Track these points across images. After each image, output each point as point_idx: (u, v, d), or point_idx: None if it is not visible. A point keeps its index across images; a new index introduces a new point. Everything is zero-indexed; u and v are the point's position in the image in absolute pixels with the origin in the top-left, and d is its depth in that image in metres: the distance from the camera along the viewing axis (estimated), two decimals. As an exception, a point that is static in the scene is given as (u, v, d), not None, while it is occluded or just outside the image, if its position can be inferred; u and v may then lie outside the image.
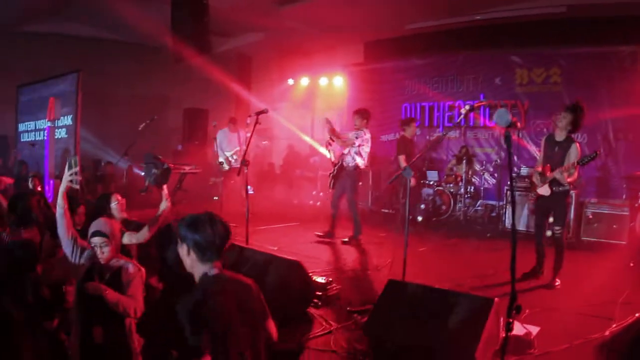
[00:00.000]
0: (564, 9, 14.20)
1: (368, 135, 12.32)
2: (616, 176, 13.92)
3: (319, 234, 12.61)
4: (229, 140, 15.48)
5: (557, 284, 9.01)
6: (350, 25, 17.37)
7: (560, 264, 9.16)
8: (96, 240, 5.19)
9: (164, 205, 7.11)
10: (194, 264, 4.12)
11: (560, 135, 9.15)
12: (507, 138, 4.68)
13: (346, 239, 12.21)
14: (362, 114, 12.49)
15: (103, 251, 5.18)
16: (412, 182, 13.67)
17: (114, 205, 7.25)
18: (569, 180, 8.93)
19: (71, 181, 5.62)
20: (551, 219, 9.64)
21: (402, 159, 13.03)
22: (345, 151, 12.32)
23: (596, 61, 14.22)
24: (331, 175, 12.60)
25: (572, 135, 9.20)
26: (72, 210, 7.04)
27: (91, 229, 5.27)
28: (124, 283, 5.20)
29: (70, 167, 5.66)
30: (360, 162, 12.22)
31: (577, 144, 8.99)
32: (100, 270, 5.23)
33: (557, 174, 8.92)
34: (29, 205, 6.66)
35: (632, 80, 13.44)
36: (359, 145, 12.15)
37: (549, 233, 9.88)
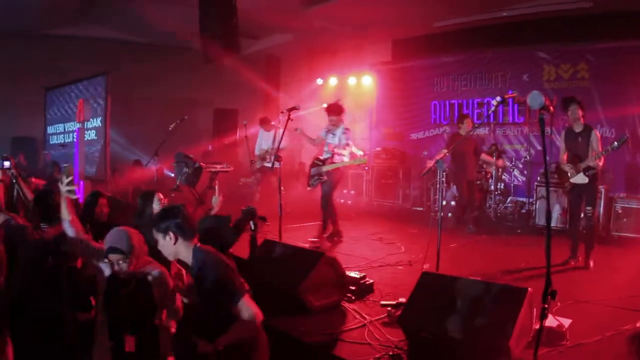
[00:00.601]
0: (591, 4, 14.15)
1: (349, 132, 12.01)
2: (646, 171, 13.89)
3: (314, 239, 11.98)
4: (265, 139, 15.71)
5: (591, 264, 9.57)
6: (378, 24, 17.40)
7: (592, 244, 9.79)
8: (112, 257, 5.18)
9: (216, 200, 7.38)
10: (180, 248, 4.76)
11: (578, 127, 9.88)
12: (541, 121, 4.76)
13: (315, 239, 11.96)
14: (335, 110, 11.97)
15: (121, 267, 5.18)
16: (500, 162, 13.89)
17: (156, 205, 7.31)
18: (600, 164, 9.56)
19: (69, 191, 5.69)
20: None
21: (444, 152, 13.03)
22: (336, 150, 11.78)
23: (624, 56, 14.13)
24: (315, 174, 11.99)
25: (589, 124, 9.98)
26: (94, 203, 7.40)
27: (107, 243, 5.26)
28: (156, 292, 5.24)
29: (67, 177, 5.71)
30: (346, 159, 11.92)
31: (596, 131, 9.79)
32: (123, 280, 5.19)
33: (590, 161, 9.53)
34: (55, 202, 6.69)
35: (661, 75, 13.41)
36: (346, 144, 11.79)
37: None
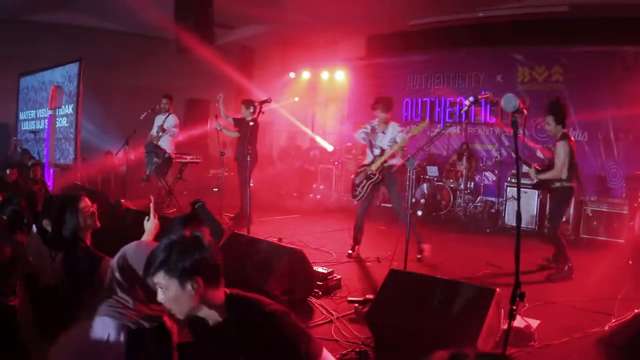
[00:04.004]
0: (567, 8, 14.19)
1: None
2: (616, 175, 13.95)
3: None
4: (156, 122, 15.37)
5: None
6: (353, 19, 17.34)
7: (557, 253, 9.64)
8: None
9: (150, 223, 5.28)
10: (205, 300, 3.13)
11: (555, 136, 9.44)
12: (514, 124, 4.69)
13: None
14: (385, 105, 10.69)
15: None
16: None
17: (82, 217, 5.33)
18: (540, 176, 9.46)
19: None
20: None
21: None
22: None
23: (598, 61, 14.27)
24: (369, 183, 10.47)
25: (565, 131, 9.35)
26: None
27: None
28: None
29: None
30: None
31: (564, 141, 9.11)
32: None
33: (528, 170, 9.62)
34: (20, 209, 6.40)
35: (635, 80, 13.45)
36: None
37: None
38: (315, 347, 3.17)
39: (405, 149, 10.45)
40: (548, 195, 10.02)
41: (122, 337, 3.44)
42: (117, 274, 3.71)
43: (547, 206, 10.03)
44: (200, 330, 3.31)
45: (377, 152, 10.40)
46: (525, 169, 9.64)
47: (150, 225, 5.24)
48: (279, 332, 3.09)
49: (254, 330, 3.10)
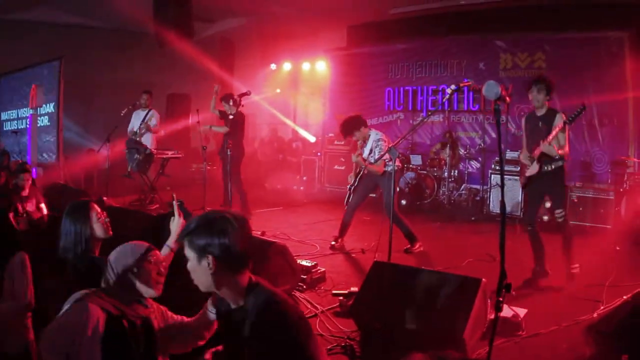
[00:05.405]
0: (548, -6, 14.20)
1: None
2: (601, 160, 13.92)
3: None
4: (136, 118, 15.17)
5: (574, 269, 8.28)
6: (334, 9, 17.24)
7: (570, 248, 8.38)
8: None
9: (176, 223, 4.60)
10: (221, 280, 3.18)
11: (540, 110, 8.25)
12: (497, 112, 4.56)
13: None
14: (348, 127, 10.59)
15: None
16: None
17: (96, 224, 4.82)
18: (559, 152, 7.98)
19: None
20: (548, 204, 9.47)
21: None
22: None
23: (581, 47, 14.22)
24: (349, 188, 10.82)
25: (553, 106, 8.45)
26: None
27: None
28: None
29: None
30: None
31: (563, 115, 8.03)
32: None
33: (544, 147, 7.96)
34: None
35: (619, 65, 13.47)
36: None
37: (545, 218, 9.72)
38: (319, 355, 3.15)
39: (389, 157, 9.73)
40: (534, 181, 8.34)
41: (100, 322, 3.37)
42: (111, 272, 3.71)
43: (542, 195, 8.87)
44: (221, 310, 3.52)
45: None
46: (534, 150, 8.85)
47: (176, 225, 4.60)
48: (285, 332, 3.06)
49: (261, 324, 3.10)
